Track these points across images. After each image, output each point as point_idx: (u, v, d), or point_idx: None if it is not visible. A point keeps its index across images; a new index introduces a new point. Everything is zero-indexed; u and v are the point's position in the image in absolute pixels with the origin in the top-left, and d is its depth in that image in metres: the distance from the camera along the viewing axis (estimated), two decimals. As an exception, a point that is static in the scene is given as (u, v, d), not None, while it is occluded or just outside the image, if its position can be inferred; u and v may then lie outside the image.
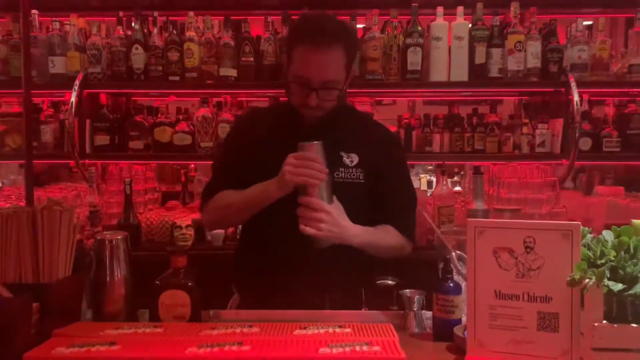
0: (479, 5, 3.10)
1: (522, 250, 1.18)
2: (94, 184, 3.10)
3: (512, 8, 3.08)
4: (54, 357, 1.31)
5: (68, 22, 3.25)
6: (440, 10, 3.09)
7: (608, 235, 1.18)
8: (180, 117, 3.32)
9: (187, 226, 3.01)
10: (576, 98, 2.98)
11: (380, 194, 1.91)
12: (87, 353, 1.32)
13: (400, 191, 1.97)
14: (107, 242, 1.63)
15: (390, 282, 2.83)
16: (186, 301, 1.60)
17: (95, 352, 1.33)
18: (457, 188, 3.95)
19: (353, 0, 3.33)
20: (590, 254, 1.14)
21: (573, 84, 2.99)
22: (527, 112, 3.55)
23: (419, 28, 3.11)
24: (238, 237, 2.73)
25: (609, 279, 1.09)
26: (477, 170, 3.04)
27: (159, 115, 3.28)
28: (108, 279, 1.62)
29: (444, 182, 3.16)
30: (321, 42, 1.72)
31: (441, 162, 3.16)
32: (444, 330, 1.47)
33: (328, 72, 1.75)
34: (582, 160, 3.15)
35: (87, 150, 3.23)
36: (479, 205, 2.98)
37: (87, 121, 3.23)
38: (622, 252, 1.12)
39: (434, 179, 4.54)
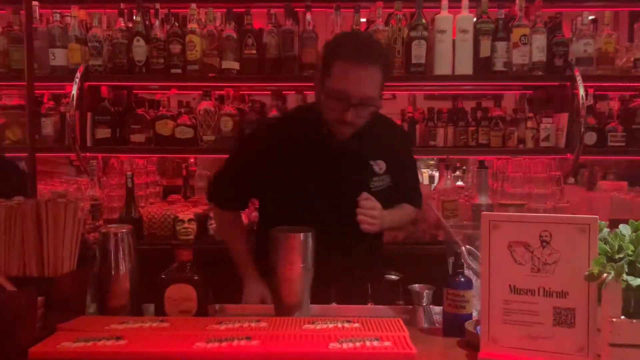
0: (484, -2, 3.07)
1: (538, 245, 1.16)
2: (95, 177, 3.07)
3: (517, 1, 3.05)
4: (59, 351, 1.29)
5: (69, 14, 3.21)
6: (445, 2, 3.06)
7: (625, 229, 1.16)
8: (182, 110, 3.29)
9: (189, 220, 2.97)
10: (582, 92, 2.96)
11: (397, 182, 2.07)
12: (93, 347, 1.30)
13: (411, 175, 2.23)
14: (112, 235, 1.60)
15: (394, 277, 2.81)
16: (192, 295, 1.59)
17: (101, 346, 1.31)
18: (459, 183, 3.92)
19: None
20: (608, 248, 1.12)
21: (579, 78, 2.97)
22: (531, 107, 3.53)
23: (424, 21, 3.08)
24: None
25: (627, 274, 1.07)
26: (481, 165, 3.02)
27: (161, 109, 3.25)
28: (113, 272, 1.60)
29: (448, 177, 3.14)
30: (363, 59, 1.76)
31: (445, 157, 3.14)
32: (454, 326, 1.45)
33: (367, 88, 1.77)
34: (587, 155, 3.12)
35: (88, 143, 3.20)
36: (483, 200, 2.96)
37: (88, 114, 3.19)
38: (641, 247, 1.10)
39: (436, 174, 4.52)
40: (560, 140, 3.14)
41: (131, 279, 1.62)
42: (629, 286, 1.08)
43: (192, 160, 4.59)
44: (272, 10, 3.18)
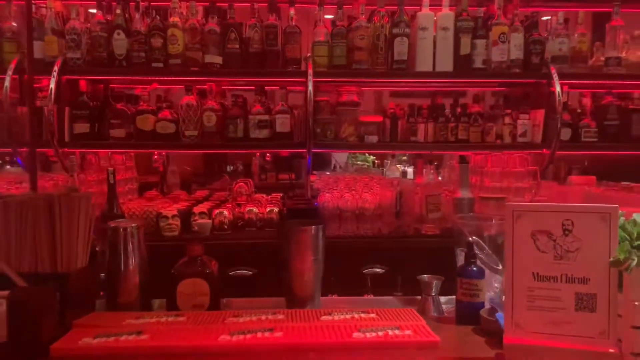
0: (464, -4, 3.14)
1: (560, 233, 1.21)
2: (75, 173, 3.00)
3: (496, 0, 3.13)
4: (82, 347, 1.27)
5: (45, 5, 3.12)
6: (426, 0, 3.11)
7: (639, 217, 1.22)
8: (163, 105, 3.24)
9: (173, 216, 2.96)
10: (558, 89, 3.06)
11: None
12: (115, 343, 1.29)
13: None
14: (121, 231, 1.58)
15: (378, 270, 2.86)
16: (205, 290, 1.58)
17: (124, 341, 1.29)
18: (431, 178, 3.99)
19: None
20: (626, 235, 1.18)
21: (555, 76, 3.08)
22: (507, 103, 3.63)
23: (406, 18, 3.12)
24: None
25: (646, 260, 1.13)
26: (462, 160, 3.09)
27: (141, 103, 3.19)
28: (122, 268, 1.58)
29: (431, 172, 3.20)
30: None
31: (428, 152, 3.20)
32: (468, 314, 1.50)
33: None
34: (562, 150, 3.22)
35: (66, 138, 3.11)
36: (464, 193, 3.04)
37: (66, 108, 3.11)
38: (657, 234, 1.16)
39: (409, 169, 4.59)
40: (537, 136, 3.25)
41: (141, 274, 1.60)
42: (647, 271, 1.14)
43: (155, 157, 4.53)
44: (256, 5, 3.17)
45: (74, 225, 1.42)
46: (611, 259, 1.15)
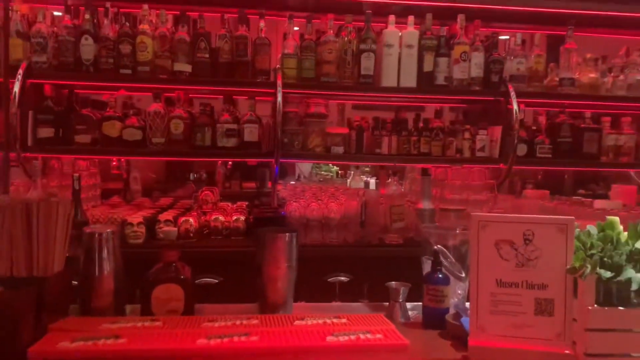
0: (429, 16, 3.26)
1: (521, 243, 1.30)
2: (38, 178, 2.96)
3: (458, 20, 3.26)
4: (60, 351, 1.29)
5: (10, 8, 3.08)
6: (392, 18, 3.22)
7: (592, 229, 1.32)
8: (130, 111, 3.23)
9: (138, 223, 2.96)
10: (515, 107, 3.21)
11: None
12: (94, 346, 1.31)
13: None
14: (96, 236, 1.60)
15: (342, 278, 2.93)
16: (180, 295, 1.61)
17: (102, 345, 1.32)
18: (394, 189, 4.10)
19: (311, 3, 3.38)
20: (581, 245, 1.27)
21: (512, 94, 3.22)
22: (466, 119, 3.77)
23: (372, 34, 3.22)
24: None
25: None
26: (424, 173, 3.21)
27: (108, 109, 3.18)
28: (97, 273, 1.59)
29: (394, 183, 3.30)
30: None
31: (393, 164, 3.29)
32: (434, 319, 1.57)
33: None
34: (518, 165, 3.37)
35: (29, 143, 3.08)
36: (426, 205, 3.15)
37: (30, 112, 3.08)
38: (609, 244, 1.26)
39: (371, 180, 4.69)
40: (494, 151, 3.38)
41: (115, 280, 1.62)
42: (599, 279, 1.24)
43: (114, 163, 4.50)
44: (226, 16, 3.21)
45: (51, 229, 1.43)
46: (568, 266, 1.25)
